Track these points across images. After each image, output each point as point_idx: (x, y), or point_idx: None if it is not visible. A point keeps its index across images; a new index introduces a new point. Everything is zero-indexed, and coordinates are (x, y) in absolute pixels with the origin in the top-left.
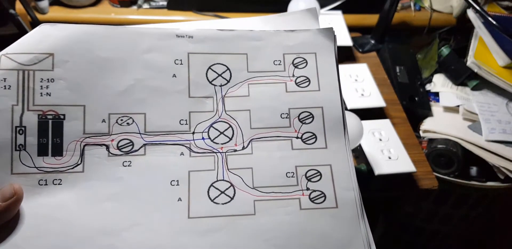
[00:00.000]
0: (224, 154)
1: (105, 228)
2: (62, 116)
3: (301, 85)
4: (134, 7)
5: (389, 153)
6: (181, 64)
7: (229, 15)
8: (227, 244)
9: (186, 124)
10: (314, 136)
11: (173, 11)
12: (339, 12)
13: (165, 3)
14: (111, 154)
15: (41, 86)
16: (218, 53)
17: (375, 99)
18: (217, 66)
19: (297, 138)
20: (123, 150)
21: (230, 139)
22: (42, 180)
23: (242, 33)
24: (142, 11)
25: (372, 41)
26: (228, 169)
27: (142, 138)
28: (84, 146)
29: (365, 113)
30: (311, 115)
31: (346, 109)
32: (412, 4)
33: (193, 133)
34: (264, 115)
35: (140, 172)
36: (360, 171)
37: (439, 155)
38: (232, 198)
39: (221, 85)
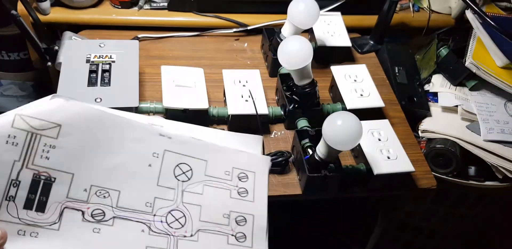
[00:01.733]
0: (176, 237)
1: None
2: (53, 179)
3: (241, 195)
4: (135, 8)
5: (388, 152)
6: (157, 157)
7: (229, 16)
8: None
9: (150, 207)
10: (244, 236)
11: (173, 12)
12: (338, 13)
13: (165, 4)
14: (85, 219)
15: (43, 150)
16: (187, 155)
17: (374, 100)
18: (184, 165)
19: (232, 235)
20: (96, 218)
21: (182, 226)
22: (21, 230)
23: (207, 144)
24: (142, 12)
25: (371, 42)
26: None
27: (113, 211)
28: (64, 208)
29: (364, 114)
30: (244, 220)
31: (345, 109)
32: (411, 5)
33: (154, 215)
34: (211, 212)
35: (106, 239)
36: (359, 171)
37: (438, 154)
38: None
39: (183, 181)
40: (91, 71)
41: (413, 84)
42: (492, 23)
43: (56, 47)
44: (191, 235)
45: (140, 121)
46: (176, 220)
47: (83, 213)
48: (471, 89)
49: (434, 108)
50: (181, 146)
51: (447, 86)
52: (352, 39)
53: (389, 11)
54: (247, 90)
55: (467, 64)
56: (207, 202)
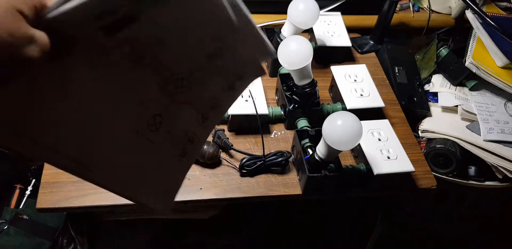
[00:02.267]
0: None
1: None
2: None
3: None
4: None
5: (388, 152)
6: None
7: None
8: None
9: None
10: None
11: None
12: (338, 13)
13: None
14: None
15: None
16: None
17: (374, 100)
18: None
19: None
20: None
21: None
22: None
23: None
24: None
25: (371, 42)
26: None
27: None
28: None
29: (364, 114)
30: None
31: (345, 109)
32: (411, 5)
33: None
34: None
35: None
36: (359, 171)
37: (438, 154)
38: None
39: None
40: None
41: (413, 84)
42: (492, 23)
43: None
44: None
45: None
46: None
47: None
48: (471, 89)
49: (434, 108)
50: None
51: (447, 86)
52: (352, 39)
53: (389, 11)
54: (247, 90)
55: (467, 64)
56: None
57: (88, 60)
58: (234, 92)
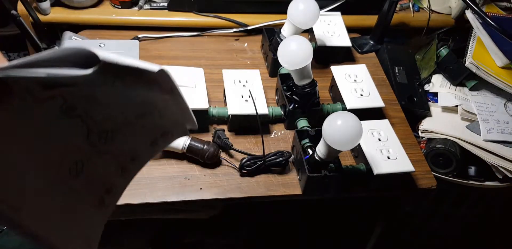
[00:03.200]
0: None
1: None
2: None
3: None
4: (135, 8)
5: (388, 152)
6: None
7: (229, 16)
8: None
9: None
10: None
11: (173, 12)
12: (338, 13)
13: (165, 4)
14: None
15: None
16: None
17: (374, 100)
18: None
19: None
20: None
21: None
22: None
23: None
24: (142, 12)
25: (371, 42)
26: None
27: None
28: None
29: (364, 114)
30: None
31: (345, 109)
32: (410, 5)
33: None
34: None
35: None
36: (359, 171)
37: (438, 154)
38: None
39: None
40: None
41: (413, 84)
42: (492, 23)
43: (56, 47)
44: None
45: None
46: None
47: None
48: (471, 89)
49: (434, 108)
50: None
51: (447, 86)
52: (352, 39)
53: (389, 11)
54: (247, 90)
55: (467, 64)
56: None
57: (18, 108)
58: (156, 148)
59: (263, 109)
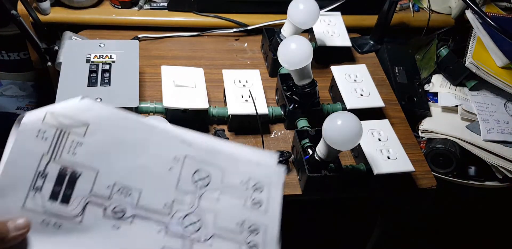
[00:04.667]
0: (191, 241)
1: None
2: (78, 175)
3: (255, 205)
4: (135, 8)
5: (388, 152)
6: (177, 162)
7: (229, 16)
8: None
9: (169, 208)
10: (256, 246)
11: (173, 12)
12: (338, 13)
13: (165, 4)
14: (106, 215)
15: (71, 146)
16: (206, 162)
17: (374, 100)
18: (202, 172)
19: (246, 243)
20: (116, 215)
21: (197, 230)
22: (45, 220)
23: (227, 154)
24: (142, 12)
25: (371, 42)
26: None
27: (133, 209)
28: (87, 202)
29: (364, 114)
30: (257, 230)
31: (345, 109)
32: (410, 5)
33: (172, 217)
34: (225, 220)
35: (124, 236)
36: (359, 171)
37: (438, 154)
38: None
39: (201, 187)
40: (91, 71)
41: (413, 84)
42: (492, 23)
43: (56, 47)
44: (205, 240)
45: (162, 127)
46: (192, 224)
47: (105, 209)
48: (471, 89)
49: (434, 108)
50: (201, 153)
51: (447, 86)
52: (352, 39)
53: (389, 11)
54: (247, 90)
55: (467, 64)
56: (222, 209)
57: None
58: None
59: (263, 109)
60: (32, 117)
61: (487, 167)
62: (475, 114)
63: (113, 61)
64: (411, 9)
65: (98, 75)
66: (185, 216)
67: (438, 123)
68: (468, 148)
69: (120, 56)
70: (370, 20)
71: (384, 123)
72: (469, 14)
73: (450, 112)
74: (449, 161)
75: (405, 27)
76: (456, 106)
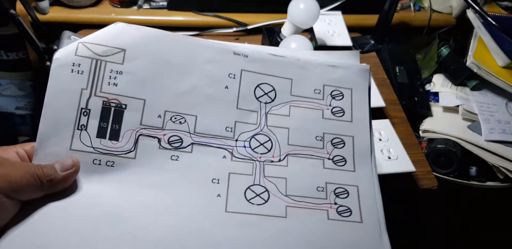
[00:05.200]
0: (262, 162)
1: (145, 210)
2: (124, 106)
3: (336, 115)
4: (135, 8)
5: (388, 152)
6: (234, 78)
7: (229, 16)
8: (258, 239)
9: (231, 131)
10: (344, 159)
11: (173, 12)
12: (338, 13)
13: (165, 3)
14: (162, 147)
15: (110, 76)
16: (267, 74)
17: (375, 99)
18: (265, 85)
19: (328, 159)
20: (173, 145)
21: (269, 151)
22: (96, 159)
23: (290, 60)
24: (142, 11)
25: (372, 42)
26: (264, 176)
27: (191, 137)
28: (139, 135)
29: None
30: (342, 142)
31: None
32: (411, 5)
33: (236, 140)
34: (301, 135)
35: (185, 167)
36: None
37: (439, 154)
38: (266, 201)
39: (265, 103)
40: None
41: (414, 84)
42: (493, 22)
43: (55, 47)
44: (279, 160)
45: (210, 41)
46: (261, 144)
47: (159, 140)
48: (472, 89)
49: (435, 108)
50: (260, 64)
51: (448, 86)
52: (352, 39)
53: (390, 10)
54: None
55: (468, 64)
56: (296, 124)
57: None
58: None
59: None
60: (64, 51)
61: (488, 167)
62: (477, 114)
63: None
64: (412, 8)
65: None
66: (252, 136)
67: (439, 124)
68: (469, 148)
69: None
70: (370, 19)
71: (385, 123)
72: (470, 13)
73: (451, 112)
74: (450, 161)
75: (406, 27)
76: (457, 106)
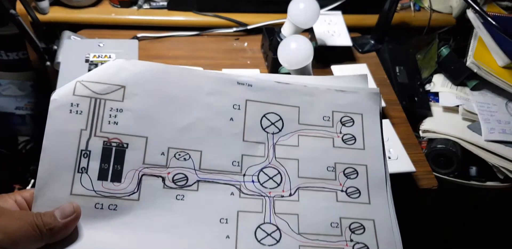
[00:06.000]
0: (272, 198)
1: None
2: (125, 145)
3: (347, 142)
4: (135, 8)
5: (388, 152)
6: (239, 109)
7: (229, 16)
8: None
9: (238, 166)
10: (358, 191)
11: (173, 12)
12: (339, 13)
13: (165, 3)
14: (166, 186)
15: (110, 115)
16: (273, 103)
17: None
18: (271, 115)
19: (341, 191)
20: (178, 183)
21: (278, 185)
22: (98, 203)
23: (297, 87)
24: (142, 11)
25: (372, 42)
26: (275, 213)
27: (196, 174)
28: (142, 175)
29: None
30: (355, 172)
31: None
32: (411, 4)
33: (244, 175)
34: (311, 166)
35: (192, 206)
36: None
37: (439, 155)
38: (278, 241)
39: (273, 133)
40: (90, 71)
41: (414, 84)
42: (493, 22)
43: (55, 47)
44: (290, 195)
45: (213, 71)
46: (270, 178)
47: (163, 179)
48: (472, 89)
49: (435, 108)
50: (265, 93)
51: (448, 86)
52: (352, 39)
53: (390, 10)
54: None
55: (468, 64)
56: (305, 154)
57: None
58: None
59: None
60: (62, 92)
61: (488, 167)
62: (477, 114)
63: None
64: (412, 8)
65: None
66: (260, 170)
67: (439, 124)
68: (469, 148)
69: (119, 56)
70: (371, 19)
71: (385, 123)
72: (470, 13)
73: (451, 112)
74: (450, 161)
75: (406, 27)
76: (457, 106)
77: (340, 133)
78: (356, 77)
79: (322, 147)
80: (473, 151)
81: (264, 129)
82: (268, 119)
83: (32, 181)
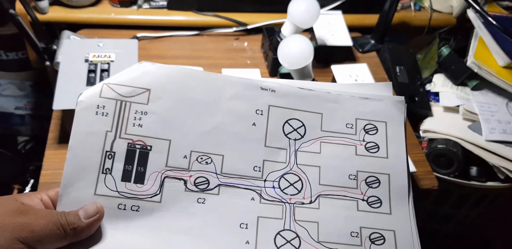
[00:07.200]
0: (292, 205)
1: None
2: (149, 148)
3: (370, 151)
4: (134, 7)
5: None
6: (262, 114)
7: (229, 15)
8: None
9: (259, 171)
10: (379, 201)
11: (173, 11)
12: (339, 12)
13: (165, 3)
14: (188, 189)
15: (135, 117)
16: (296, 109)
17: None
18: (294, 121)
19: (362, 200)
20: (199, 187)
21: (299, 192)
22: (121, 204)
23: (320, 94)
24: (142, 11)
25: (372, 41)
26: (295, 220)
27: (217, 178)
28: (165, 178)
29: None
30: (377, 181)
31: None
32: (412, 4)
33: (265, 180)
34: (333, 174)
35: (212, 210)
36: None
37: (439, 155)
38: None
39: (295, 139)
40: (89, 71)
41: (415, 84)
42: (494, 22)
43: (55, 47)
44: (311, 202)
45: (236, 76)
46: (291, 184)
47: (185, 182)
48: (473, 89)
49: (436, 108)
50: (288, 99)
51: (448, 86)
52: (353, 39)
53: (390, 10)
54: None
55: (468, 63)
56: (327, 162)
57: None
58: None
59: None
60: (89, 94)
61: (488, 167)
62: (477, 114)
63: (112, 61)
64: (412, 8)
65: (97, 74)
66: (281, 176)
67: (439, 124)
68: (469, 148)
69: (119, 55)
70: (371, 19)
71: None
72: (470, 13)
73: (451, 112)
74: (451, 161)
75: (406, 27)
76: (458, 106)
77: (363, 140)
78: (380, 84)
79: (344, 154)
80: (473, 151)
81: (286, 135)
82: (291, 125)
83: (32, 181)
